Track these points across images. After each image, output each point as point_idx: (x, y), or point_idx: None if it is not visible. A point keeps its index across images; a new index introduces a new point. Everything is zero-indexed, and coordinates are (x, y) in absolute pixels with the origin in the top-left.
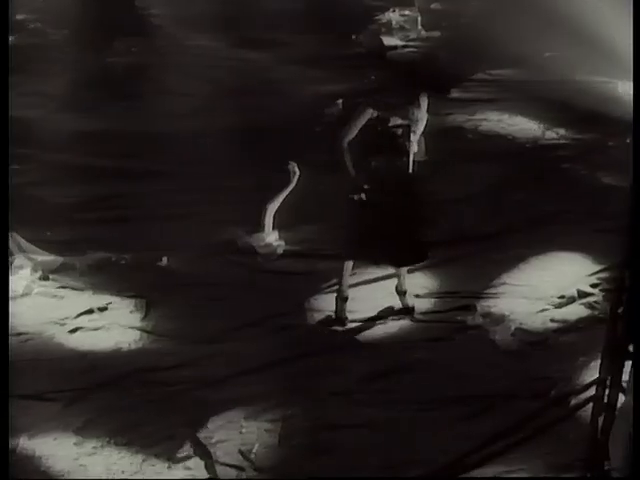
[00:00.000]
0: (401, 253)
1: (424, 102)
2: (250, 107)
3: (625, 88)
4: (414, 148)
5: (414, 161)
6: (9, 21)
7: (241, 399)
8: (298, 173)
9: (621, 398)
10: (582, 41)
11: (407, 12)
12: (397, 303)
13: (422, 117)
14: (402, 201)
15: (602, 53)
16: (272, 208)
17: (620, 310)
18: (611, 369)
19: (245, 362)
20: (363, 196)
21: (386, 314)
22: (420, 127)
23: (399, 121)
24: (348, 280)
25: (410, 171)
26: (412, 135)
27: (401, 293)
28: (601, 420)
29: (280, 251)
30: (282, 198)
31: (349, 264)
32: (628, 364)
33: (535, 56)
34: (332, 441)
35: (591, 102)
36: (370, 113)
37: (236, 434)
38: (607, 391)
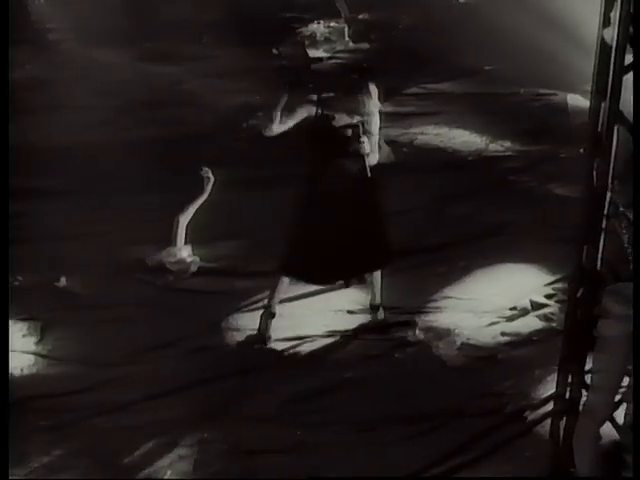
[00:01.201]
0: (351, 271)
1: (374, 92)
2: (161, 120)
3: (574, 100)
4: (366, 149)
5: (370, 166)
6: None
7: (150, 424)
8: (213, 180)
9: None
10: (525, 54)
11: (333, 24)
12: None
13: (374, 110)
14: (354, 215)
15: (548, 66)
16: (184, 220)
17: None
18: (569, 382)
19: (154, 386)
20: (309, 209)
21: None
22: (374, 124)
23: (347, 119)
24: (280, 296)
25: (368, 175)
26: (366, 135)
27: (374, 308)
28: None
29: (194, 268)
30: (195, 208)
31: (285, 280)
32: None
33: (475, 69)
34: (254, 467)
35: (538, 114)
36: (308, 110)
37: None
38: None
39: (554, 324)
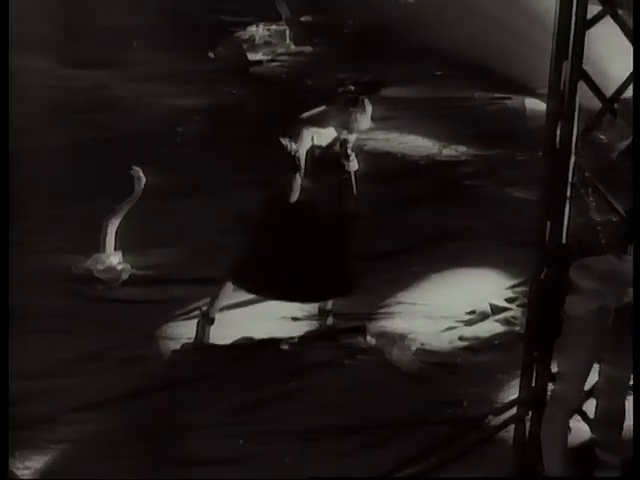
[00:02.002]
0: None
1: (369, 108)
2: (86, 124)
3: (532, 104)
4: (354, 166)
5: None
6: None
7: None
8: (144, 180)
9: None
10: (478, 56)
11: (273, 27)
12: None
13: (365, 127)
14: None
15: (503, 70)
16: (114, 223)
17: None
18: (533, 387)
19: (81, 398)
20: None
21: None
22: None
23: (335, 134)
24: (221, 303)
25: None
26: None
27: (324, 314)
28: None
29: (125, 276)
30: (126, 210)
31: (229, 287)
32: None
33: (425, 74)
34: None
35: (494, 118)
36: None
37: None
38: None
39: (516, 328)
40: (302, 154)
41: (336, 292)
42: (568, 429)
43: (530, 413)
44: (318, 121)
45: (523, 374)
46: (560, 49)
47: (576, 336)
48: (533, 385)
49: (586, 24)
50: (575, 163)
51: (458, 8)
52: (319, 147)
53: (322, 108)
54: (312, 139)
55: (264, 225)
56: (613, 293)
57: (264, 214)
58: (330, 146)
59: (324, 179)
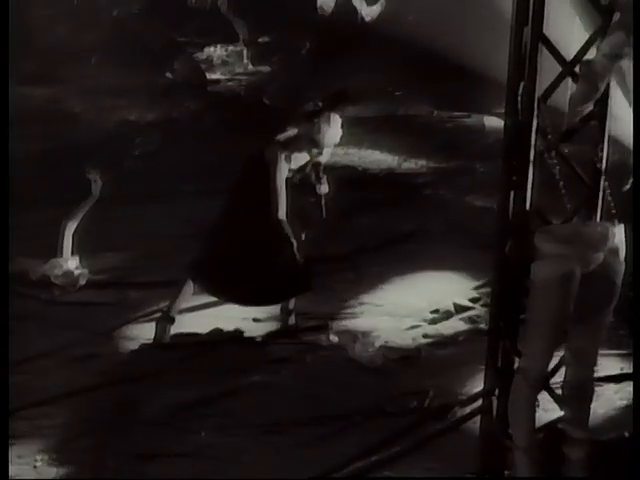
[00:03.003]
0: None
1: (337, 122)
2: (38, 136)
3: (490, 121)
4: (325, 189)
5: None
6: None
7: (33, 432)
8: (100, 183)
9: None
10: (437, 75)
11: (230, 47)
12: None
13: (334, 141)
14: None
15: (462, 88)
16: (71, 227)
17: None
18: (497, 380)
19: (36, 394)
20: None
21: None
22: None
23: (307, 157)
24: (181, 303)
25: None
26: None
27: (286, 312)
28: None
29: (83, 281)
30: (83, 213)
31: (189, 287)
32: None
33: (384, 92)
34: (146, 473)
35: (452, 134)
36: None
37: (29, 470)
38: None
39: (480, 325)
40: (281, 179)
41: (292, 291)
42: (535, 401)
43: (497, 391)
44: (292, 144)
45: (488, 364)
46: (520, 15)
47: (540, 302)
48: (499, 364)
49: None
50: (537, 127)
51: (418, 27)
52: (293, 170)
53: (295, 130)
54: (288, 162)
55: (223, 226)
56: (579, 257)
57: (223, 217)
58: (302, 169)
59: (294, 201)
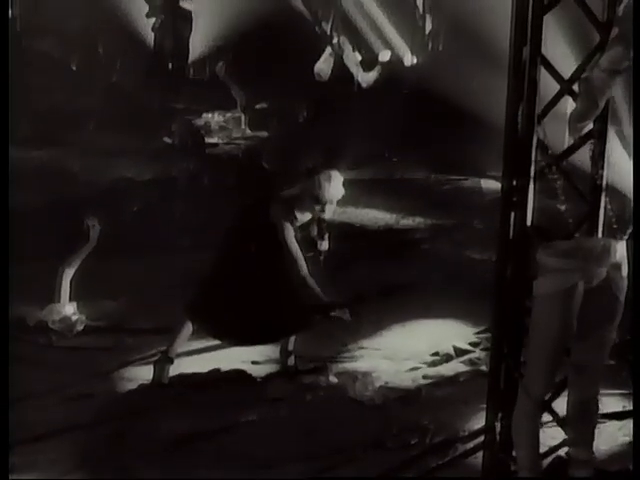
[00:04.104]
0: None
1: (338, 179)
2: (39, 190)
3: (488, 184)
4: (325, 246)
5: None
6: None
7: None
8: (99, 229)
9: None
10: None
11: (228, 114)
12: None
13: (335, 199)
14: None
15: (459, 153)
16: (69, 273)
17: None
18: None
19: (32, 430)
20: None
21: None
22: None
23: (309, 215)
24: (180, 343)
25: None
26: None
27: (285, 354)
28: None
29: (80, 327)
30: (81, 259)
31: (188, 326)
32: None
33: (382, 157)
34: None
35: (450, 194)
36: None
37: None
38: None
39: (481, 367)
40: (292, 240)
41: (292, 328)
42: (539, 419)
43: (500, 416)
44: (296, 201)
45: (489, 405)
46: (518, 35)
47: (543, 318)
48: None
49: (544, 8)
50: (538, 144)
51: (414, 94)
52: (297, 228)
53: (297, 187)
54: (295, 221)
55: (221, 269)
56: (581, 271)
57: (221, 260)
58: (306, 226)
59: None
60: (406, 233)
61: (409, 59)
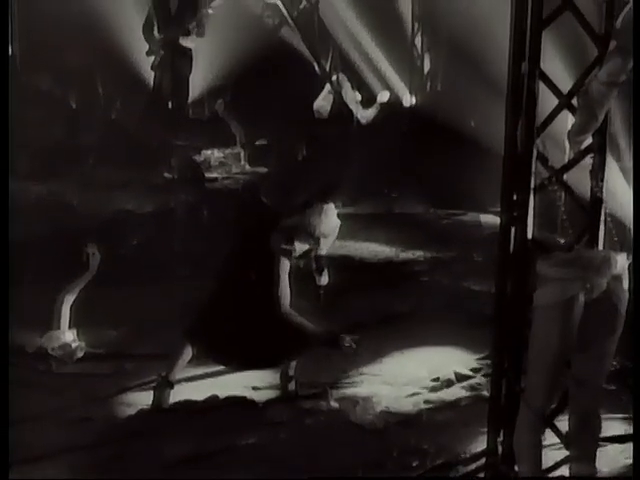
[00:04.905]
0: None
1: (333, 212)
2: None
3: (487, 218)
4: (324, 280)
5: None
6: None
7: None
8: (99, 256)
9: None
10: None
11: (228, 151)
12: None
13: (334, 231)
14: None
15: (457, 188)
16: (68, 300)
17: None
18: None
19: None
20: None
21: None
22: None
23: (306, 246)
24: (180, 368)
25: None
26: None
27: (286, 379)
28: None
29: (80, 354)
30: (80, 287)
31: (188, 350)
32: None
33: (381, 193)
34: None
35: (449, 228)
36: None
37: None
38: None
39: (482, 392)
40: (285, 273)
41: (291, 355)
42: (541, 432)
43: (501, 432)
44: (294, 233)
45: (490, 428)
46: (517, 50)
47: (543, 329)
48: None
49: (542, 23)
50: (538, 157)
51: (413, 131)
52: (295, 257)
53: (296, 219)
54: (293, 252)
55: (221, 294)
56: (582, 281)
57: (221, 283)
58: (306, 254)
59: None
60: (405, 266)
61: (408, 99)
